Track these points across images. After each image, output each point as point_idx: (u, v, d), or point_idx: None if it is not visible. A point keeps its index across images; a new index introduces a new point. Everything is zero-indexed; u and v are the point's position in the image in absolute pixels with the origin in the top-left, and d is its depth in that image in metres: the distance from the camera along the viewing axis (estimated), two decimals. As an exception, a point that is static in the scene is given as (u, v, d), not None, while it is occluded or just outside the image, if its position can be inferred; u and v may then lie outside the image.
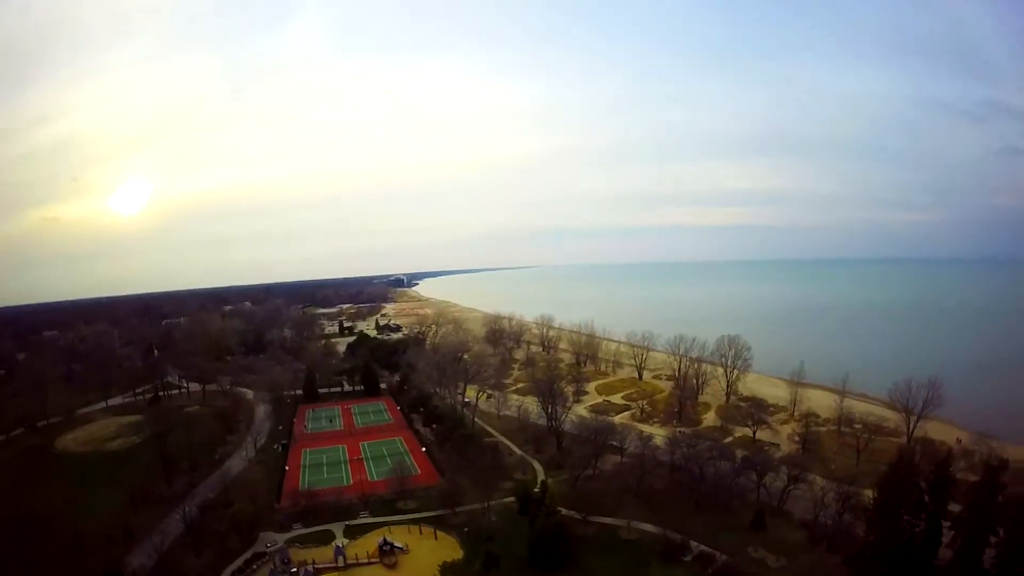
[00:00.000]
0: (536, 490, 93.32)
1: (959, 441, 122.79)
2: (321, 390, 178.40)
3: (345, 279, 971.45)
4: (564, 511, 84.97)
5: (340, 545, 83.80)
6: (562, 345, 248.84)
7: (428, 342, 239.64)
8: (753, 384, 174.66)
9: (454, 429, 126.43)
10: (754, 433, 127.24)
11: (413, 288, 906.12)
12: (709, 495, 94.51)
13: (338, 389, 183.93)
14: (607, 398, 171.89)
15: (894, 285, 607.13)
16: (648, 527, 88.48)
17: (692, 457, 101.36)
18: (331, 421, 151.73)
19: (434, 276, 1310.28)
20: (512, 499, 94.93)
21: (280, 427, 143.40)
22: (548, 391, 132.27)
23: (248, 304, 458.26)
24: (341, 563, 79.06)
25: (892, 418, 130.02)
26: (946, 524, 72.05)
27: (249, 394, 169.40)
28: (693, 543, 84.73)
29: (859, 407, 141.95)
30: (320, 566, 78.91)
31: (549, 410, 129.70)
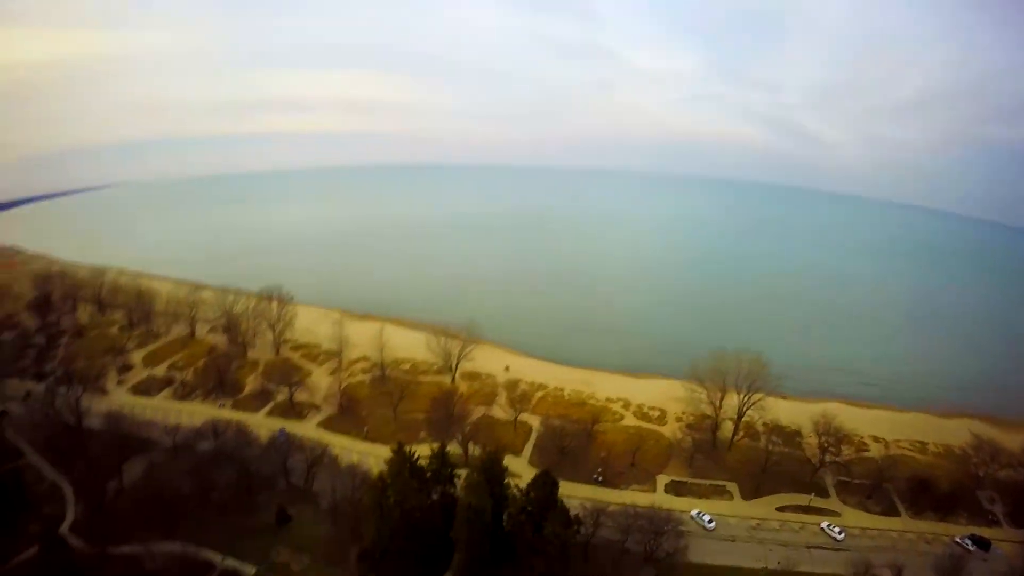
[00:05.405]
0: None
1: (507, 368, 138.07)
2: None
3: None
4: (79, 546, 77.77)
5: None
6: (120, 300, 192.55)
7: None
8: (310, 322, 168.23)
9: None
10: (291, 398, 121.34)
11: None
12: (233, 494, 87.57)
13: None
14: (152, 371, 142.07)
15: (483, 194, 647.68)
16: (174, 547, 79.29)
17: (217, 450, 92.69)
18: None
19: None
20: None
21: None
22: (67, 381, 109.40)
23: None
24: None
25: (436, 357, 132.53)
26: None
27: None
28: (218, 558, 79.42)
29: (407, 341, 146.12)
30: None
31: (72, 406, 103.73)
